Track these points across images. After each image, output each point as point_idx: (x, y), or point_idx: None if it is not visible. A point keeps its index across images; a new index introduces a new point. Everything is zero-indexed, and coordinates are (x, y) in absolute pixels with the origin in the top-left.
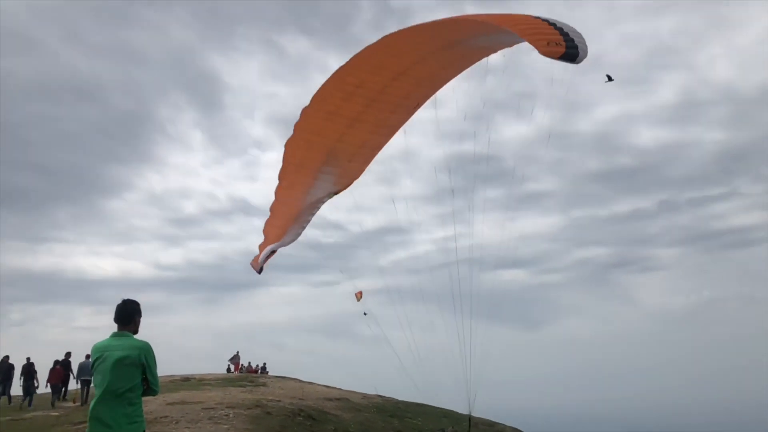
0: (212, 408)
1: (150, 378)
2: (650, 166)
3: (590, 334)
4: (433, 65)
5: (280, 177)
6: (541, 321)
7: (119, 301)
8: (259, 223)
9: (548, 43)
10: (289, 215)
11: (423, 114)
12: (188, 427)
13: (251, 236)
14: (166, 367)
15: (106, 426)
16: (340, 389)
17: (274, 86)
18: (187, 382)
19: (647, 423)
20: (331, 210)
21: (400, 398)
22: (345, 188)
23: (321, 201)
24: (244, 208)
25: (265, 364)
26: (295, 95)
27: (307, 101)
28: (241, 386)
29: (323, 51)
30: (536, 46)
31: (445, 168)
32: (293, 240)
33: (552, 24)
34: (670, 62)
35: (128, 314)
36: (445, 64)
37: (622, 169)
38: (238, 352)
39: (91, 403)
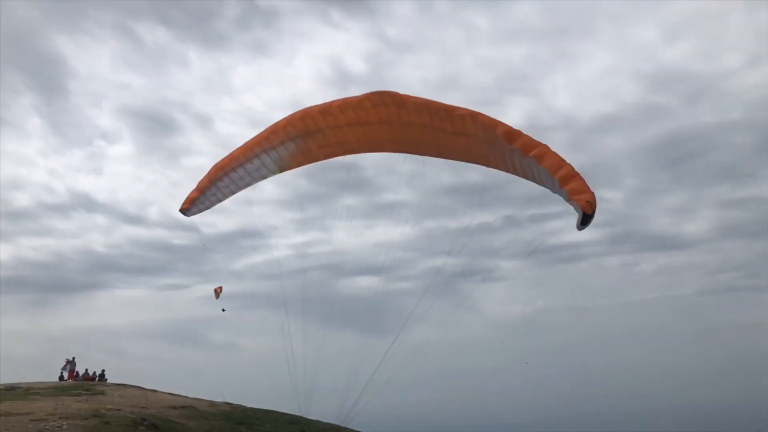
0: (42, 419)
1: None
2: (497, 184)
3: (436, 340)
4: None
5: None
6: (391, 327)
7: None
8: (103, 220)
9: (586, 203)
10: (224, 167)
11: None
12: None
13: (93, 234)
14: None
15: None
16: (186, 397)
17: (127, 75)
18: (11, 391)
19: (485, 426)
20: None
21: (248, 404)
22: (283, 171)
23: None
24: (85, 203)
25: (103, 371)
26: (151, 88)
27: (163, 94)
28: (76, 395)
29: (183, 44)
30: (579, 203)
31: (305, 174)
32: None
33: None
34: (519, 87)
35: None
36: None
37: (472, 185)
38: (73, 358)
39: None
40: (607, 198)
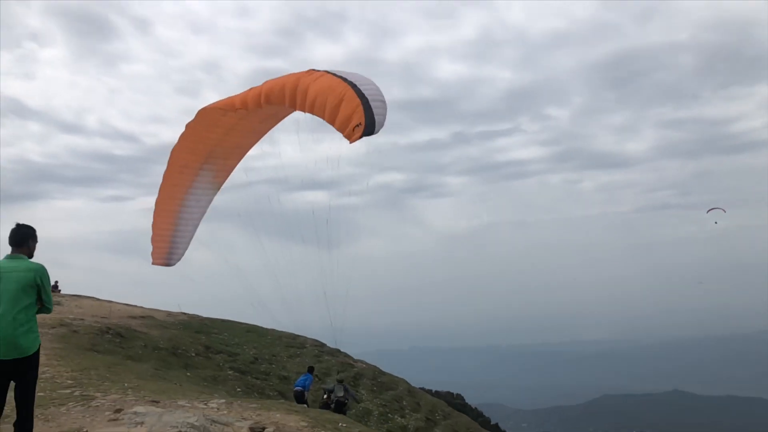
0: None
1: (44, 297)
2: (448, 100)
3: (385, 254)
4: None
5: (166, 178)
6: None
7: (15, 226)
8: (38, 128)
9: (354, 129)
10: (173, 212)
11: (230, 23)
12: None
13: (27, 142)
14: None
15: (12, 341)
16: (142, 307)
17: None
18: None
19: (434, 335)
20: (123, 119)
21: (205, 315)
22: (223, 180)
23: (204, 203)
24: (17, 109)
25: (57, 282)
26: None
27: None
28: None
29: None
30: (345, 136)
31: (251, 83)
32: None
33: (352, 86)
34: None
35: (21, 238)
36: None
37: (423, 101)
38: None
39: None
40: (555, 116)
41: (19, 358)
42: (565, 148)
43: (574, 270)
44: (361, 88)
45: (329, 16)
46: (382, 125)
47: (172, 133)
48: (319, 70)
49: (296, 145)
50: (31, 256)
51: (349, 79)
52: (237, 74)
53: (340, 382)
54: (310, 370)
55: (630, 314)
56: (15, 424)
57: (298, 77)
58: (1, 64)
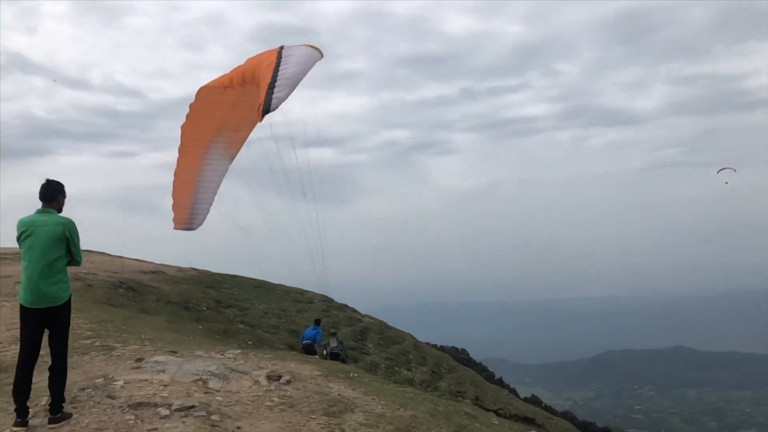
0: None
1: (74, 250)
2: (456, 54)
3: (391, 211)
4: None
5: (180, 151)
6: (346, 199)
7: (45, 182)
8: (41, 83)
9: (258, 110)
10: (191, 181)
11: None
12: (6, 300)
13: (30, 97)
14: None
15: (46, 290)
16: (152, 263)
17: None
18: None
19: (440, 291)
20: (128, 74)
21: (214, 270)
22: (237, 151)
23: (220, 171)
24: (20, 64)
25: None
26: None
27: None
28: None
29: None
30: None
31: (256, 38)
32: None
33: (275, 68)
34: None
35: (51, 193)
36: None
37: (430, 55)
38: None
39: (24, 275)
40: (564, 72)
41: (51, 307)
42: (574, 105)
43: (580, 227)
44: (281, 69)
45: None
46: (277, 106)
47: (176, 88)
48: (287, 47)
49: (304, 101)
50: (60, 210)
51: (281, 61)
52: (242, 28)
53: (334, 334)
54: (317, 322)
55: (635, 271)
56: (50, 369)
57: (260, 60)
58: (3, 17)
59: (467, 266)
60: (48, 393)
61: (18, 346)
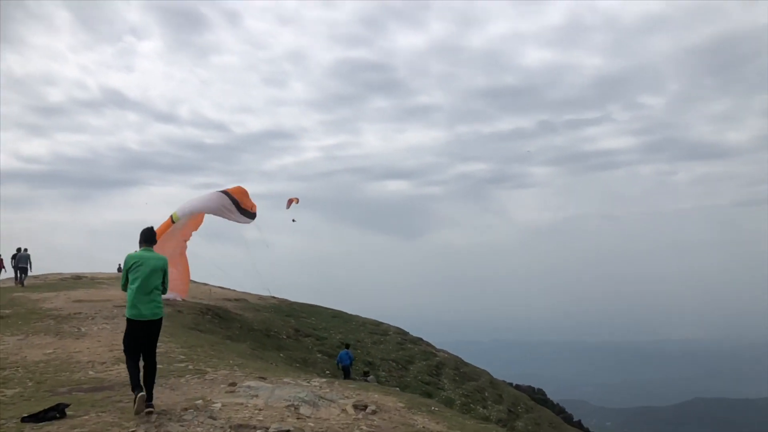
0: (123, 306)
1: (165, 280)
2: (533, 87)
3: (466, 245)
4: None
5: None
6: (420, 231)
7: (146, 227)
8: (136, 117)
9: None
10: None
11: (315, 13)
12: (107, 323)
13: (125, 131)
14: (40, 263)
15: (151, 308)
16: (236, 291)
17: None
18: (79, 280)
19: (517, 328)
20: (213, 109)
21: (293, 299)
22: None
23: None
24: (117, 100)
25: None
26: None
27: None
28: None
29: None
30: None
31: (335, 74)
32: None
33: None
34: None
35: (151, 236)
36: None
37: (507, 88)
38: None
39: (133, 295)
40: (648, 104)
41: (152, 320)
42: (659, 138)
43: (665, 266)
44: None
45: (413, 4)
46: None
47: (259, 123)
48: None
49: (380, 134)
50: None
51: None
52: (321, 65)
53: (347, 347)
54: (347, 346)
55: (726, 313)
56: (144, 367)
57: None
58: (105, 57)
59: (545, 303)
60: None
61: (121, 366)
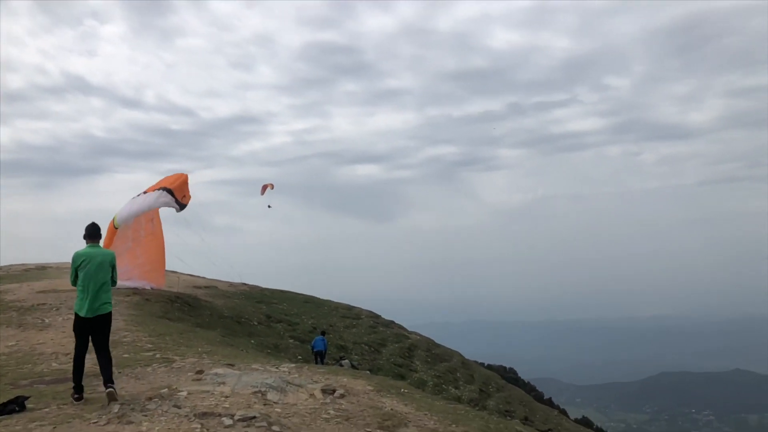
0: None
1: (114, 275)
2: (502, 69)
3: (437, 227)
4: None
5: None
6: (392, 214)
7: (88, 223)
8: (100, 103)
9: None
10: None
11: None
12: (72, 313)
13: (89, 118)
14: (3, 254)
15: (99, 304)
16: (204, 278)
17: None
18: (44, 271)
19: (488, 309)
20: (181, 93)
21: (264, 285)
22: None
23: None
24: (80, 86)
25: None
26: None
27: None
28: None
29: None
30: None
31: (303, 57)
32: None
33: None
34: None
35: (96, 232)
36: None
37: (476, 70)
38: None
39: (84, 291)
40: (615, 86)
41: (99, 316)
42: (625, 119)
43: (633, 245)
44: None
45: None
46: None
47: (227, 107)
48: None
49: (350, 118)
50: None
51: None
52: (289, 48)
53: (323, 333)
54: (323, 333)
55: (691, 290)
56: (99, 359)
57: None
58: (65, 41)
59: (516, 283)
60: (101, 376)
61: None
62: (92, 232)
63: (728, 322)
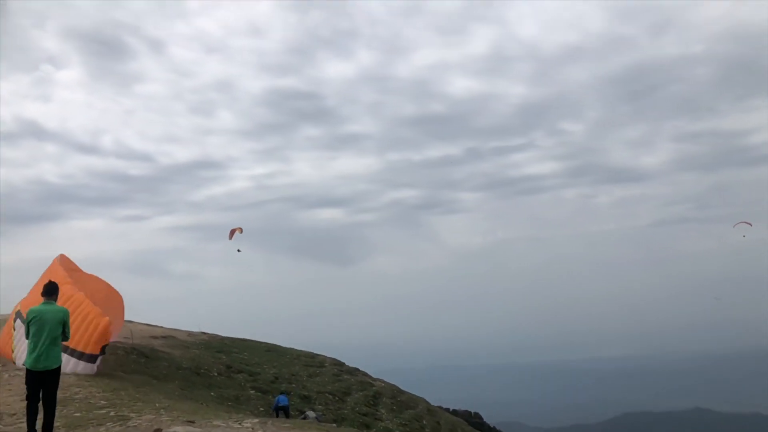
0: None
1: (66, 330)
2: (460, 115)
3: (399, 270)
4: None
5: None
6: (354, 258)
7: (47, 282)
8: (54, 149)
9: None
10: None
11: (243, 42)
12: (19, 370)
13: (44, 163)
14: None
15: (48, 358)
16: (162, 327)
17: None
18: None
19: (451, 353)
20: (138, 139)
21: (225, 334)
22: None
23: None
24: (35, 131)
25: None
26: (98, 7)
27: (112, 15)
28: None
29: None
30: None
31: (264, 102)
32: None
33: None
34: (485, 14)
35: (53, 290)
36: None
37: (435, 116)
38: None
39: (35, 346)
40: (570, 131)
41: (48, 370)
42: (580, 163)
43: (591, 285)
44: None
45: (341, 34)
46: None
47: (186, 152)
48: None
49: (311, 162)
50: (56, 302)
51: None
52: (250, 93)
53: (284, 393)
54: (284, 393)
55: (649, 330)
56: (44, 415)
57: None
58: (20, 87)
59: (479, 326)
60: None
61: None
62: (49, 290)
63: (685, 361)
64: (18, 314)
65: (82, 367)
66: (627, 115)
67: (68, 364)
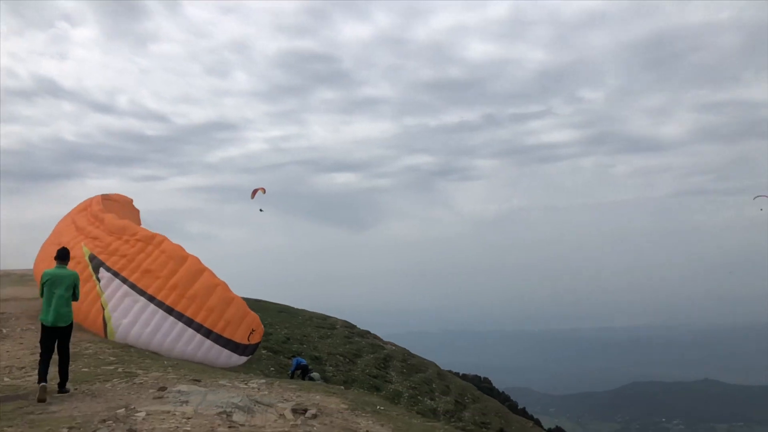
0: None
1: (77, 292)
2: (478, 80)
3: (413, 236)
4: None
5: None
6: (369, 223)
7: (60, 248)
8: (71, 107)
9: None
10: None
11: (259, 2)
12: (32, 323)
13: (60, 122)
14: None
15: (61, 315)
16: None
17: None
18: (7, 278)
19: (464, 319)
20: (154, 99)
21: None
22: None
23: None
24: (51, 89)
25: None
26: None
27: None
28: None
29: None
30: None
31: (280, 64)
32: None
33: None
34: None
35: (66, 254)
36: None
37: (452, 81)
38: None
39: (49, 305)
40: (588, 98)
41: (64, 326)
42: (599, 131)
43: (606, 255)
44: None
45: None
46: None
47: (202, 113)
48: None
49: (327, 125)
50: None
51: None
52: (266, 55)
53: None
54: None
55: (663, 301)
56: (59, 364)
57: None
58: (36, 44)
59: (491, 293)
60: (58, 378)
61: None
62: (61, 255)
63: (697, 333)
64: (97, 263)
65: (235, 359)
66: (648, 84)
67: (220, 355)
